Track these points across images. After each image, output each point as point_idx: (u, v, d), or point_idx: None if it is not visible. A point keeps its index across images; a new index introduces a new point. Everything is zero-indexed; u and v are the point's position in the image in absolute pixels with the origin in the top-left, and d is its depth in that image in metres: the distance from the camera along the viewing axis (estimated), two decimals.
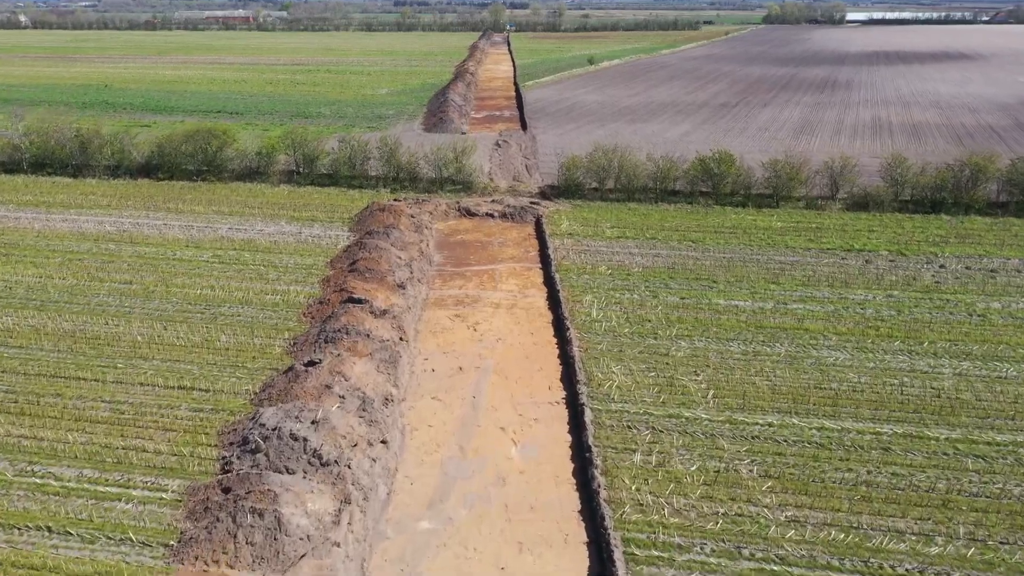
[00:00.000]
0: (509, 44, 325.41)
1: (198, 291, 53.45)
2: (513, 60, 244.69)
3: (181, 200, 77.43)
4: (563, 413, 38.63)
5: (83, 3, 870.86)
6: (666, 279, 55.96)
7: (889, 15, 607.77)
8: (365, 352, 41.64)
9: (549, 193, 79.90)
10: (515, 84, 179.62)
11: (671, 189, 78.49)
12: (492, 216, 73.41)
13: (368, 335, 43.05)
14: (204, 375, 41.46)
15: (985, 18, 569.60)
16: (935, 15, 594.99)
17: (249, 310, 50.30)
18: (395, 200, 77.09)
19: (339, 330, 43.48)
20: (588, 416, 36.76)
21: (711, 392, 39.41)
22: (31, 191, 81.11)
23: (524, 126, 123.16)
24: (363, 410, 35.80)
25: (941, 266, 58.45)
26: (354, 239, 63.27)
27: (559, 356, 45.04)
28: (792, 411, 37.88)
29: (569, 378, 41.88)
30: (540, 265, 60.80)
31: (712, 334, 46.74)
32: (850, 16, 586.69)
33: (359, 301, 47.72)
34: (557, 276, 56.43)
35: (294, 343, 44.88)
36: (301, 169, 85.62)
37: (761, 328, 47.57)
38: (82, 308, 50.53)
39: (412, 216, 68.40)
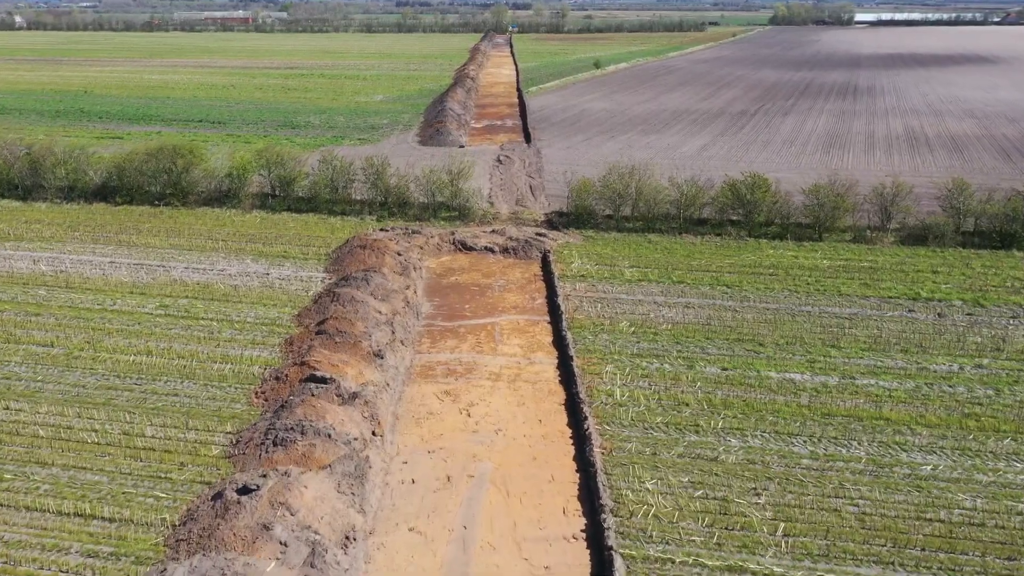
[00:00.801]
0: (511, 46, 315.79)
1: (131, 357, 43.72)
2: (516, 63, 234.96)
3: (137, 230, 67.74)
4: (584, 558, 28.81)
5: (84, 4, 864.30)
6: (701, 340, 46.14)
7: (898, 16, 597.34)
8: (324, 461, 31.96)
9: (557, 222, 70.12)
10: (518, 90, 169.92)
11: (697, 218, 68.72)
12: (492, 251, 63.65)
13: (330, 435, 33.35)
14: (113, 493, 31.74)
15: (996, 19, 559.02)
16: (945, 16, 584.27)
17: (189, 387, 40.56)
18: (381, 230, 67.46)
19: (293, 428, 33.77)
20: (620, 572, 26.93)
21: (780, 527, 29.61)
22: None
23: (528, 138, 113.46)
24: (311, 564, 26.09)
25: None
26: (328, 285, 53.50)
27: (575, 458, 35.26)
28: (896, 560, 28.02)
29: (590, 496, 32.11)
30: (548, 317, 51.03)
31: (768, 425, 36.92)
32: (858, 17, 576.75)
33: (323, 380, 37.97)
34: (569, 335, 46.68)
35: (236, 441, 35.13)
36: (277, 192, 75.93)
37: (829, 417, 37.73)
38: None
39: (399, 253, 58.65)
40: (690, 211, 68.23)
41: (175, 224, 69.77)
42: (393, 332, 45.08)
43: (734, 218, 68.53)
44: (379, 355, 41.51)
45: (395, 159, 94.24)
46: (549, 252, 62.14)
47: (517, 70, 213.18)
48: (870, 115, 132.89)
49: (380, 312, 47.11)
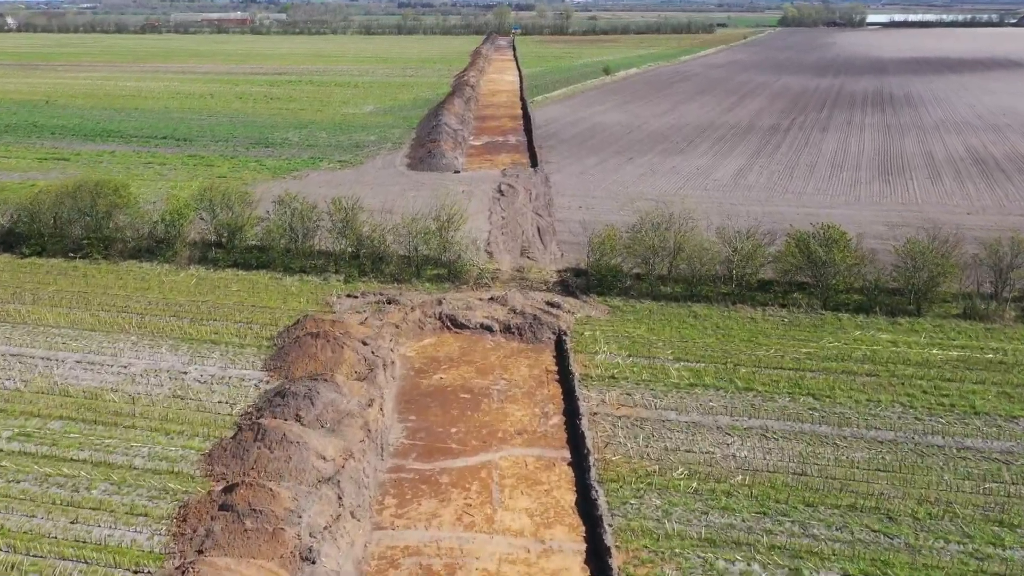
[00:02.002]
0: (514, 49, 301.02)
1: None
2: (519, 68, 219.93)
3: (34, 297, 52.73)
4: None
5: (84, 5, 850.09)
6: (801, 510, 30.99)
7: (911, 17, 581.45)
8: None
9: (574, 284, 54.88)
10: (521, 99, 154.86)
11: (754, 281, 53.47)
12: (490, 329, 48.52)
13: None
14: None
15: (1012, 20, 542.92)
16: (960, 17, 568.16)
17: None
18: (348, 296, 52.45)
19: None
20: None
21: None
22: None
23: (534, 159, 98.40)
24: None
25: None
26: (257, 403, 38.37)
27: None
28: None
29: None
30: (568, 452, 35.90)
31: None
32: (870, 18, 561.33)
33: None
34: (601, 493, 31.63)
35: None
36: (223, 241, 60.86)
37: None
38: None
39: (365, 343, 43.54)
40: (745, 273, 53.09)
41: (87, 286, 54.72)
42: (340, 499, 29.98)
43: (801, 280, 53.41)
44: (309, 558, 26.40)
45: (376, 190, 79.45)
46: (565, 333, 47.01)
47: (520, 76, 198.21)
48: (919, 130, 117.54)
49: (324, 458, 32.05)
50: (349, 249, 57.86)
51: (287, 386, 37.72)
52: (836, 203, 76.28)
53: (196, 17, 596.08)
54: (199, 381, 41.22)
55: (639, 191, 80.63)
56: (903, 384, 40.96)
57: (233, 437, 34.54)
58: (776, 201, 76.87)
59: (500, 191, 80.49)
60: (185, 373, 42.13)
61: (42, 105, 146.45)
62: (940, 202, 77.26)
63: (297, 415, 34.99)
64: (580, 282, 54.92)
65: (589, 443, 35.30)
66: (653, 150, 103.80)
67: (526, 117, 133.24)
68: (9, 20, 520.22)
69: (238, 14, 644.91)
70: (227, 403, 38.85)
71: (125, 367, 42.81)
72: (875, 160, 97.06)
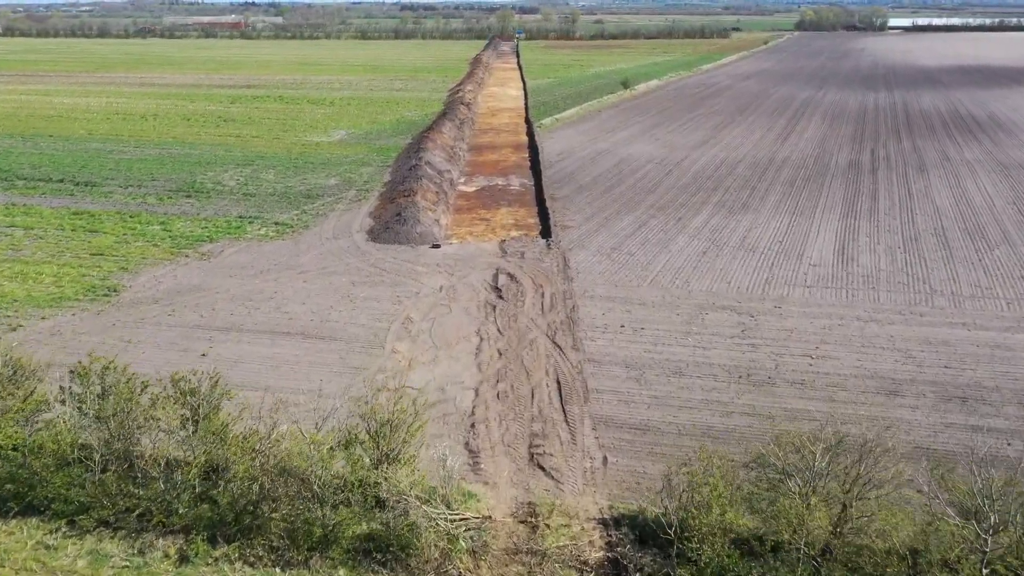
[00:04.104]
0: (518, 56, 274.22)
1: None
2: (523, 80, 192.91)
3: None
4: None
5: (84, 7, 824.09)
6: None
7: (936, 21, 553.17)
8: None
9: (633, 561, 27.45)
10: (527, 122, 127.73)
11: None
12: None
13: None
14: None
15: None
16: (987, 21, 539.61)
17: None
18: None
19: None
20: None
21: None
22: None
23: (544, 218, 71.24)
24: None
25: None
26: None
27: None
28: None
29: None
30: None
31: None
32: (892, 22, 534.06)
33: None
34: None
35: None
36: None
37: None
38: None
39: None
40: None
41: None
42: None
43: None
44: None
45: (310, 286, 52.08)
46: None
47: (526, 90, 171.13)
48: None
49: None
50: (195, 485, 30.10)
51: None
52: (1017, 315, 48.78)
53: (188, 21, 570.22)
54: None
55: (706, 288, 53.34)
56: None
57: None
58: (922, 312, 49.44)
59: (497, 288, 53.16)
60: None
61: None
62: None
63: None
64: (650, 559, 27.30)
65: None
66: (707, 204, 76.45)
67: (533, 147, 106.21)
68: None
69: (231, 18, 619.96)
70: None
71: None
72: (1020, 219, 69.74)
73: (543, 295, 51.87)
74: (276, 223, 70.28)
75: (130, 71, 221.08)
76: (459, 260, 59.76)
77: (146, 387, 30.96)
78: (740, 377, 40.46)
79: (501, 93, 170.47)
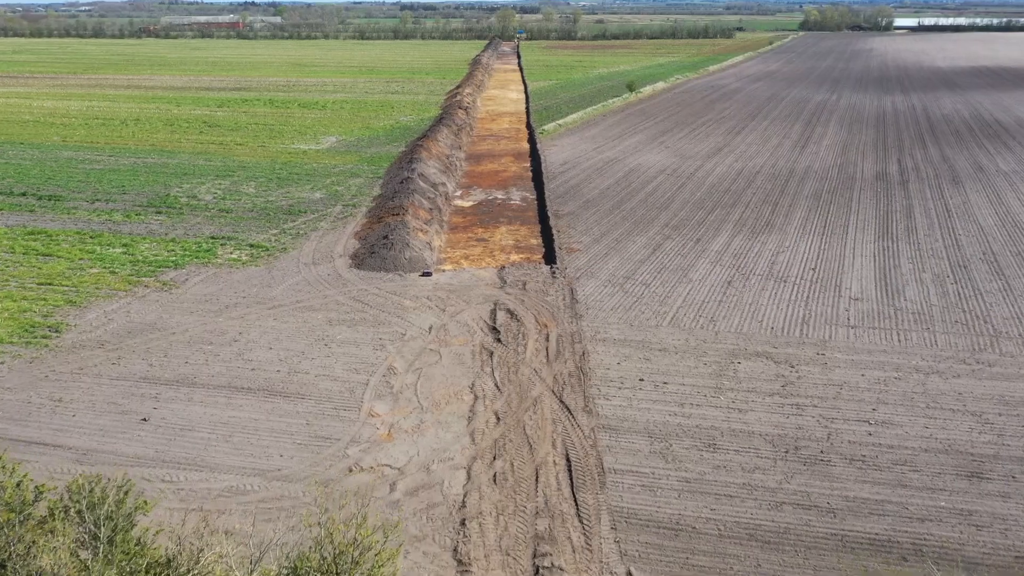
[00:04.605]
0: (519, 57, 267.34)
1: None
2: (525, 82, 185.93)
3: None
4: None
5: (83, 6, 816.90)
6: None
7: (942, 21, 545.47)
8: None
9: None
10: (528, 127, 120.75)
11: None
12: None
13: None
14: None
15: None
16: (994, 21, 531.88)
17: None
18: None
19: None
20: None
21: None
22: None
23: (548, 240, 64.19)
24: None
25: None
26: None
27: None
28: None
29: None
30: None
31: None
32: (898, 22, 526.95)
33: None
34: None
35: None
36: None
37: None
38: None
39: None
40: None
41: None
42: None
43: None
44: None
45: (279, 324, 44.64)
46: None
47: (527, 93, 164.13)
48: None
49: None
50: None
51: None
52: None
53: (186, 20, 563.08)
54: None
55: (735, 328, 46.33)
56: None
57: None
58: (991, 360, 42.39)
59: (495, 329, 46.15)
60: None
61: None
62: None
63: None
64: None
65: None
66: (726, 222, 69.48)
67: (534, 156, 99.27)
68: None
69: (230, 17, 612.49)
70: None
71: None
72: None
73: (548, 338, 44.89)
74: (251, 245, 63.29)
75: (118, 72, 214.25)
76: (452, 291, 52.75)
77: (41, 494, 24.02)
78: (787, 451, 33.50)
79: (502, 96, 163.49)
